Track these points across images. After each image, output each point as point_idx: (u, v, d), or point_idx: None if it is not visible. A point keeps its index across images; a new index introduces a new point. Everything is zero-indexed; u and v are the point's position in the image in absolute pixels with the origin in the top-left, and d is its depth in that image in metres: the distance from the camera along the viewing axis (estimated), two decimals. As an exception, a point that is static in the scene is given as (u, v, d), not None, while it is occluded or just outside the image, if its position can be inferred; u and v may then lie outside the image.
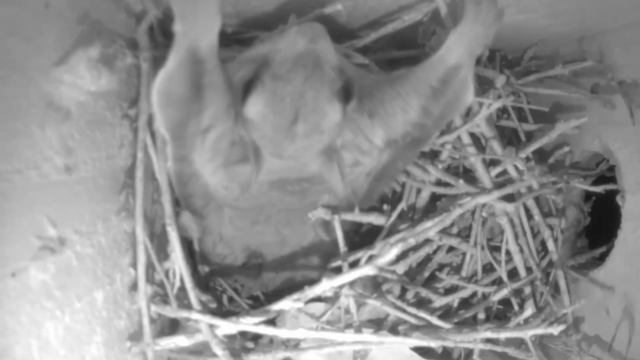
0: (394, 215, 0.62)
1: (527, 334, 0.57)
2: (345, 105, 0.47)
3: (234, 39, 0.64)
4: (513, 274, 0.66)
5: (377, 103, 0.51)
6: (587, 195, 0.73)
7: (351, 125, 0.51)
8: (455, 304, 0.66)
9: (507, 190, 0.62)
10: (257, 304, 0.66)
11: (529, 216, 0.67)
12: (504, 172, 0.65)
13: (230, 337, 0.56)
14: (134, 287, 0.54)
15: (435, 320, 0.58)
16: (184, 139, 0.46)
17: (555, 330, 0.55)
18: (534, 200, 0.66)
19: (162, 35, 0.60)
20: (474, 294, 0.67)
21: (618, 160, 0.63)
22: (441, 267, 0.68)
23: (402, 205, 0.63)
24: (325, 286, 0.55)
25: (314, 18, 0.58)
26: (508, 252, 0.66)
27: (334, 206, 0.59)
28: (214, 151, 0.49)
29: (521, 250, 0.66)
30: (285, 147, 0.48)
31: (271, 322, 0.57)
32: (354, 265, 0.60)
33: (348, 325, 0.59)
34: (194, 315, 0.53)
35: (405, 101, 0.51)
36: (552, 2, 0.55)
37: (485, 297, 0.66)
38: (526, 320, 0.62)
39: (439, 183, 0.65)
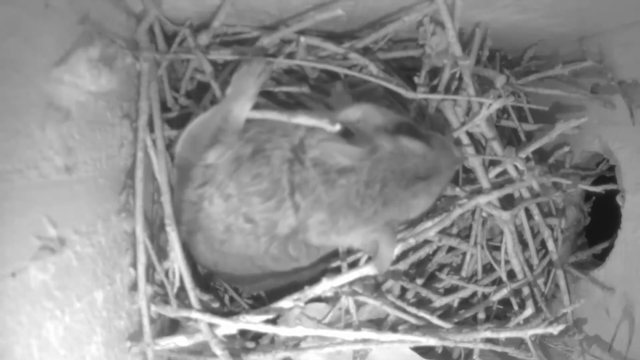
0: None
1: (527, 333, 0.57)
2: None
3: (234, 39, 0.64)
4: (513, 274, 0.66)
5: None
6: (587, 195, 0.73)
7: None
8: (455, 304, 0.66)
9: (507, 190, 0.62)
10: (258, 303, 0.66)
11: (529, 216, 0.67)
12: (504, 172, 0.64)
13: (230, 337, 0.56)
14: (134, 287, 0.54)
15: (435, 320, 0.58)
16: (189, 173, 0.54)
17: (555, 330, 0.55)
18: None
19: (162, 37, 0.60)
20: (474, 294, 0.67)
21: (618, 160, 0.63)
22: (441, 267, 0.68)
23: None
24: (325, 286, 0.55)
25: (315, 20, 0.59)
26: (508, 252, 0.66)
27: None
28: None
29: (522, 251, 0.66)
30: (398, 185, 0.51)
31: (272, 322, 0.57)
32: (353, 265, 0.60)
33: (348, 325, 0.59)
34: (194, 315, 0.53)
35: None
36: (552, 2, 0.55)
37: (485, 297, 0.66)
38: (526, 320, 0.62)
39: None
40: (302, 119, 0.51)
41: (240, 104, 0.54)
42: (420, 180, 0.52)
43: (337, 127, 0.50)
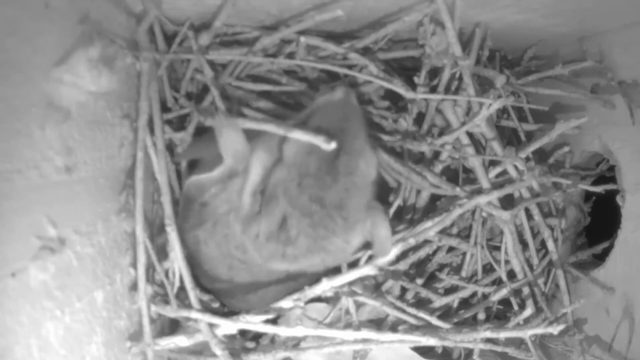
0: (390, 212, 0.62)
1: (527, 333, 0.57)
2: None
3: (234, 39, 0.64)
4: (513, 274, 0.66)
5: None
6: (587, 195, 0.73)
7: None
8: (455, 304, 0.66)
9: (507, 190, 0.62)
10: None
11: (529, 216, 0.67)
12: (504, 172, 0.64)
13: (230, 337, 0.56)
14: (134, 287, 0.54)
15: (435, 321, 0.58)
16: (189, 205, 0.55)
17: (555, 330, 0.55)
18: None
19: (162, 37, 0.60)
20: (474, 294, 0.67)
21: (618, 160, 0.63)
22: (441, 267, 0.68)
23: (398, 202, 0.63)
24: (325, 286, 0.55)
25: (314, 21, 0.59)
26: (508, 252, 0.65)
27: None
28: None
29: (522, 251, 0.66)
30: (328, 186, 0.48)
31: (272, 322, 0.57)
32: (353, 265, 0.60)
33: (348, 325, 0.59)
34: (194, 315, 0.53)
35: None
36: (552, 2, 0.55)
37: (485, 297, 0.66)
38: (526, 320, 0.62)
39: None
40: (299, 135, 0.48)
41: (238, 160, 0.52)
42: (341, 151, 0.49)
43: (333, 145, 0.47)
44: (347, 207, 0.49)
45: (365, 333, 0.54)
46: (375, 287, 0.62)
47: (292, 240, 0.49)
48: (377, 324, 0.61)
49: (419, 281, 0.65)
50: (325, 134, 0.48)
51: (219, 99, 0.60)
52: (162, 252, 0.57)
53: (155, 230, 0.59)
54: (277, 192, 0.48)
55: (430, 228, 0.60)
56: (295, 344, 0.58)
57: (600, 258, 0.67)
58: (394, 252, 0.52)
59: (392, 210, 0.63)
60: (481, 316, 0.66)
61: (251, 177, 0.51)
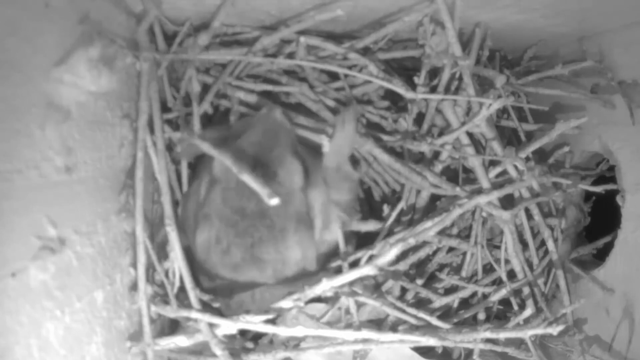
0: (393, 215, 0.62)
1: (527, 334, 0.57)
2: (303, 169, 0.54)
3: (234, 39, 0.64)
4: (513, 274, 0.66)
5: None
6: (587, 195, 0.73)
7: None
8: (455, 304, 0.66)
9: (507, 190, 0.62)
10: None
11: (529, 216, 0.67)
12: (504, 172, 0.64)
13: (230, 337, 0.56)
14: (134, 287, 0.54)
15: (435, 321, 0.58)
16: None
17: (555, 330, 0.55)
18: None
19: (162, 37, 0.60)
20: (474, 294, 0.67)
21: (618, 160, 0.63)
22: (441, 267, 0.68)
23: (402, 205, 0.63)
24: (325, 286, 0.55)
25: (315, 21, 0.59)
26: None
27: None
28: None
29: (522, 250, 0.66)
30: (247, 197, 0.51)
31: (271, 322, 0.57)
32: (353, 265, 0.60)
33: (348, 325, 0.59)
34: (194, 315, 0.53)
35: None
36: (552, 2, 0.55)
37: (485, 297, 0.66)
38: (526, 320, 0.62)
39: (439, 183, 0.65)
40: (247, 179, 0.47)
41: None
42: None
43: (276, 201, 0.45)
44: (269, 216, 0.51)
45: (366, 333, 0.54)
46: (375, 287, 0.62)
47: (225, 251, 0.52)
48: (377, 324, 0.61)
49: (419, 281, 0.65)
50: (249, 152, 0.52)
51: (198, 118, 0.61)
52: (162, 252, 0.57)
53: (155, 229, 0.59)
54: (209, 209, 0.52)
55: (430, 228, 0.60)
56: (296, 344, 0.58)
57: (600, 258, 0.67)
58: (394, 252, 0.52)
59: (394, 213, 0.63)
60: (481, 316, 0.66)
61: (200, 195, 0.55)
